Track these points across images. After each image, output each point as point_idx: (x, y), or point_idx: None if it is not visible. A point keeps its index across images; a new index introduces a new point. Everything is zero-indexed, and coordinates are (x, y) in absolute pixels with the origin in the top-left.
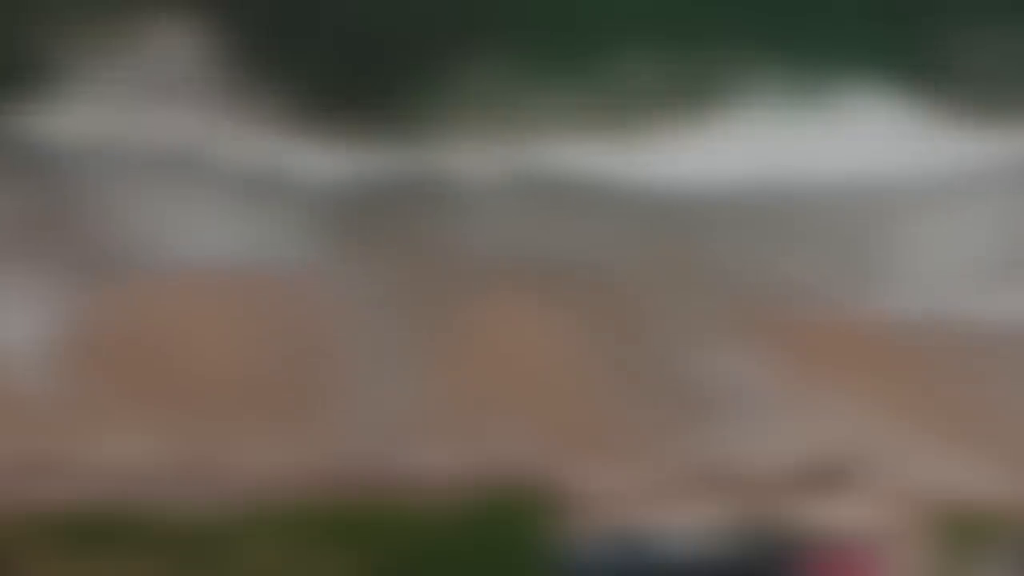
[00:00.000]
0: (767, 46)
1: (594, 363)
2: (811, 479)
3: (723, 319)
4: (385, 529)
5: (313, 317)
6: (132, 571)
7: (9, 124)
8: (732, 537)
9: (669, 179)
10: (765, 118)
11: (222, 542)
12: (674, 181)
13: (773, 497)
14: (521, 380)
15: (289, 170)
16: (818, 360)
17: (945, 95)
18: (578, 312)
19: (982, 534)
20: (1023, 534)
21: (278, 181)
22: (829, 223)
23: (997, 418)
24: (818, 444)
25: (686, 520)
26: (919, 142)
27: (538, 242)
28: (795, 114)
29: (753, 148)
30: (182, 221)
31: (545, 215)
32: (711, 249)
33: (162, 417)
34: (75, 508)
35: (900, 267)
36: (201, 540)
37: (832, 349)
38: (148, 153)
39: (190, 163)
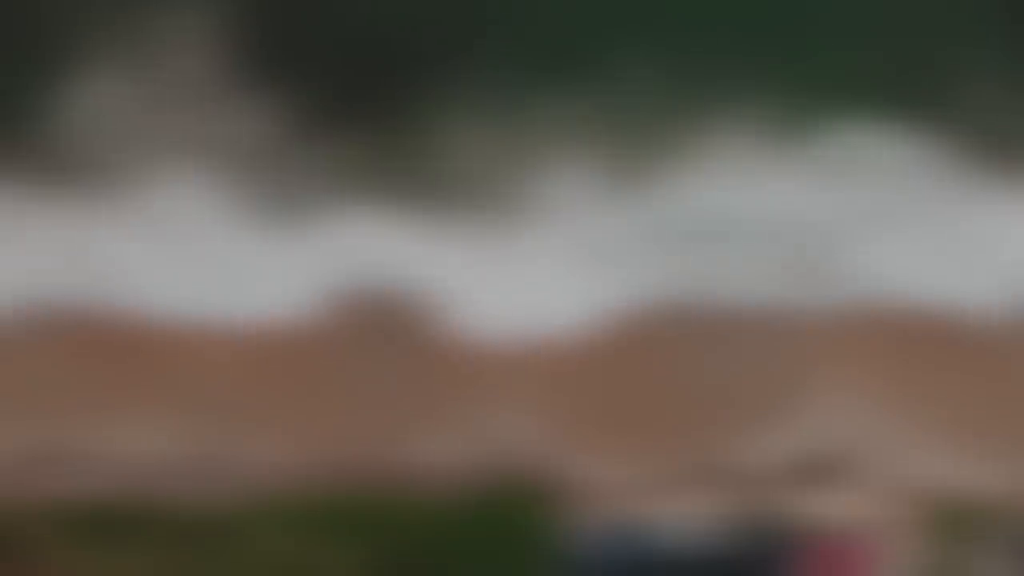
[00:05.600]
0: (760, 76)
1: (593, 358)
2: (808, 473)
3: (716, 320)
4: (391, 520)
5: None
6: (144, 561)
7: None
8: (730, 530)
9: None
10: (751, 148)
11: (232, 533)
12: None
13: (770, 490)
14: (523, 374)
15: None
16: (814, 356)
17: (940, 129)
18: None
19: (976, 527)
20: (1017, 527)
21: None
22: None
23: (991, 412)
24: (815, 438)
25: (684, 512)
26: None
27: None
28: (782, 146)
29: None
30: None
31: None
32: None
33: (174, 411)
34: (88, 500)
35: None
36: (212, 531)
37: (824, 345)
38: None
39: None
